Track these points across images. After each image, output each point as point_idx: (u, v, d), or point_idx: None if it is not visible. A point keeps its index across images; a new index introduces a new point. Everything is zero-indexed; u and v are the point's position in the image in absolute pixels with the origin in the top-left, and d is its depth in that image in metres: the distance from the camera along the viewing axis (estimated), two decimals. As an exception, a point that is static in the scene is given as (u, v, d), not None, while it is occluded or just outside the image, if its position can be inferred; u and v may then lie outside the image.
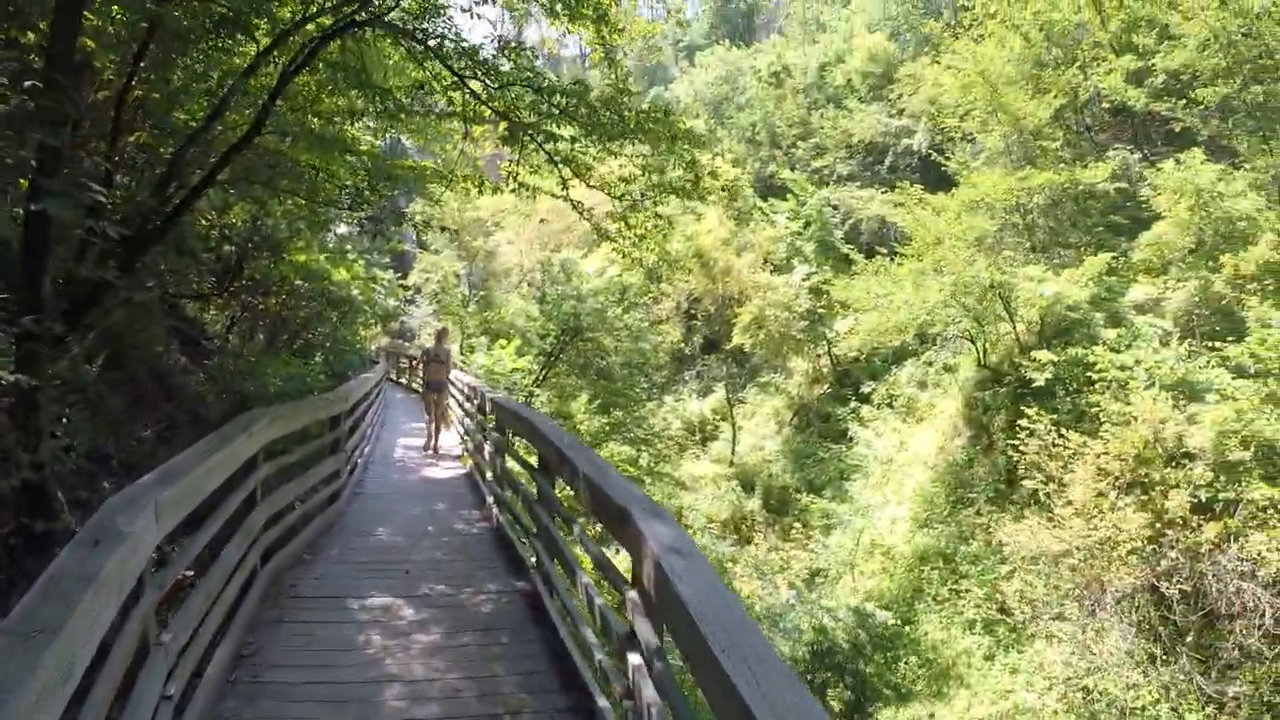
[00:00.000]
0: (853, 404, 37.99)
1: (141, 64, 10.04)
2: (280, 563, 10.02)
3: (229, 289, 18.73)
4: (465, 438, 20.14)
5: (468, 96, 13.57)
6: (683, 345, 47.00)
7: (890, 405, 36.47)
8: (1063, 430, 22.29)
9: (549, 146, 14.09)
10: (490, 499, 13.79)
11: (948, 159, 37.33)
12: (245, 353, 17.72)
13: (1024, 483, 22.94)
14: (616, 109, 13.35)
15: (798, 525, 32.38)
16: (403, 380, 41.20)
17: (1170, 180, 25.47)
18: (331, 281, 21.59)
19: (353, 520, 13.35)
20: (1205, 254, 25.33)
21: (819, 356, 41.34)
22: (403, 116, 14.21)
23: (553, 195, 15.93)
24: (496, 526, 12.89)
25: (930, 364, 36.27)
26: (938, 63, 39.08)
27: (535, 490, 9.66)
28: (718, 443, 40.56)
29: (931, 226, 28.61)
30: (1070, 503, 21.08)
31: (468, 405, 19.50)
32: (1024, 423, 23.27)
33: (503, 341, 30.44)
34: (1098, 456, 20.90)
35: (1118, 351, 23.20)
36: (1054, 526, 20.72)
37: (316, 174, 14.21)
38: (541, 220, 54.32)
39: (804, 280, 41.70)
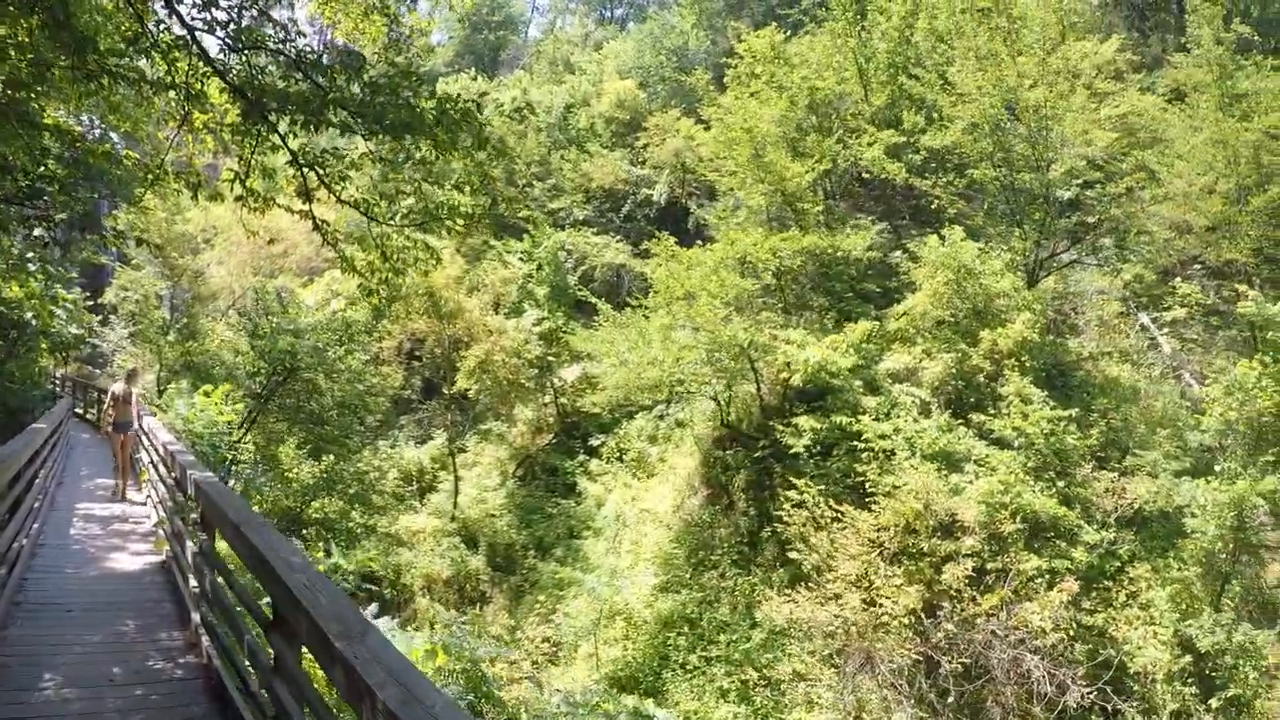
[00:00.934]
0: (580, 457, 36.85)
1: None
2: None
3: None
4: (161, 515, 15.04)
5: (195, 59, 11.04)
6: (404, 389, 44.57)
7: (620, 459, 35.58)
8: (832, 502, 21.76)
9: (296, 143, 11.74)
10: (196, 618, 9.65)
11: (692, 211, 37.11)
12: None
13: (791, 554, 22.27)
14: (402, 96, 10.95)
15: (528, 587, 30.78)
16: (90, 415, 36.40)
17: (933, 254, 25.68)
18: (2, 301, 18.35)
19: (6, 657, 9.05)
20: (960, 329, 25.95)
21: (545, 405, 39.96)
22: (105, 81, 11.00)
23: (290, 210, 13.11)
24: (207, 663, 8.74)
25: (662, 418, 35.56)
26: (693, 115, 39.06)
27: (269, 652, 6.07)
28: (437, 494, 38.47)
29: (684, 280, 27.68)
30: (831, 571, 20.45)
31: (164, 473, 14.75)
32: (793, 493, 22.58)
33: (207, 388, 26.96)
34: (870, 528, 20.43)
35: (880, 420, 22.97)
36: (822, 599, 19.98)
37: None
38: (270, 241, 50.70)
39: (535, 325, 40.27)
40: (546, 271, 43.55)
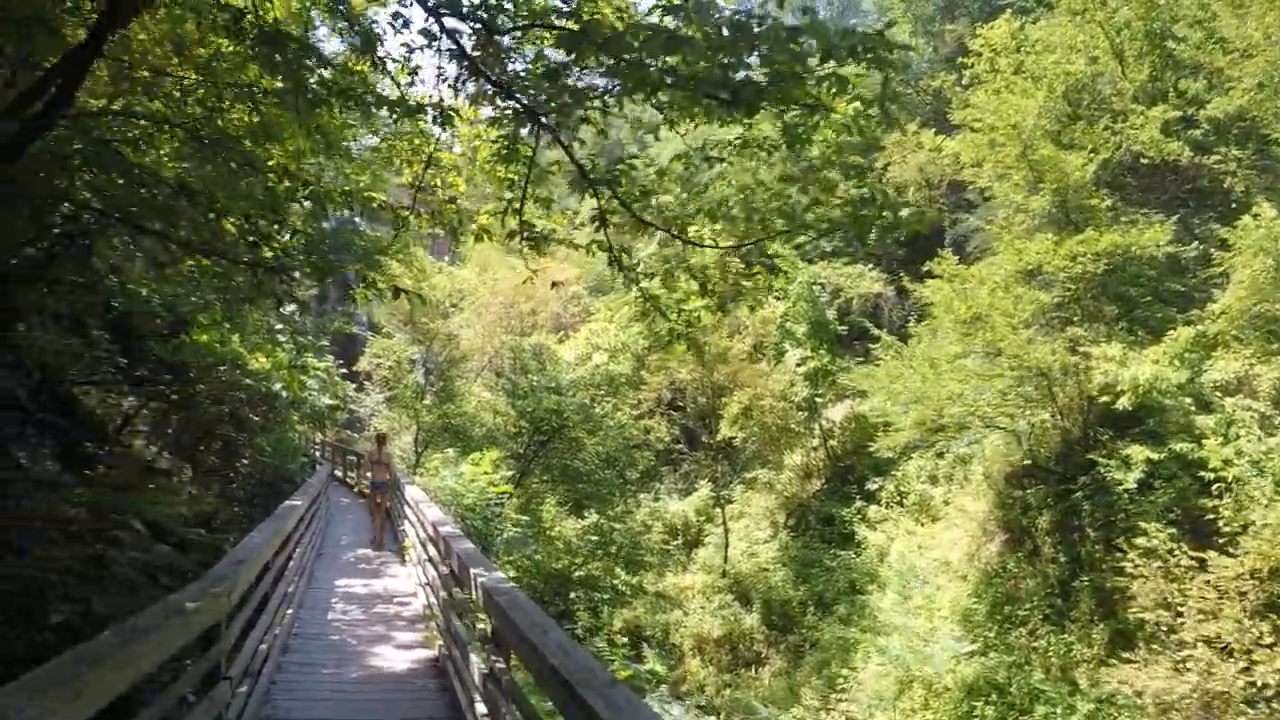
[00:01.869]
0: (857, 503, 34.17)
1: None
2: None
3: (134, 375, 14.91)
4: (430, 600, 13.30)
5: (446, 55, 9.09)
6: (673, 440, 42.81)
7: (900, 503, 32.74)
8: (1181, 545, 18.60)
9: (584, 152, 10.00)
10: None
11: (948, 227, 34.20)
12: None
13: (1137, 612, 19.14)
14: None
15: (807, 647, 28.45)
16: (349, 479, 35.98)
17: (1249, 237, 21.76)
18: (247, 371, 17.03)
19: None
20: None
21: (814, 449, 37.48)
22: (333, 104, 10.04)
23: (571, 246, 11.79)
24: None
25: (942, 455, 32.58)
26: (931, 126, 36.22)
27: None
28: (705, 549, 36.41)
29: (970, 300, 24.76)
30: (1176, 631, 17.33)
31: (434, 554, 12.82)
32: (1140, 540, 19.59)
33: (476, 456, 25.39)
34: (1229, 575, 17.17)
35: (1224, 442, 19.51)
36: (1172, 662, 16.93)
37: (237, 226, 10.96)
38: (554, 282, 50.08)
39: (798, 365, 37.83)
40: (803, 308, 41.23)
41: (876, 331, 33.74)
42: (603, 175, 9.97)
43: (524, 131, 9.89)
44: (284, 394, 19.52)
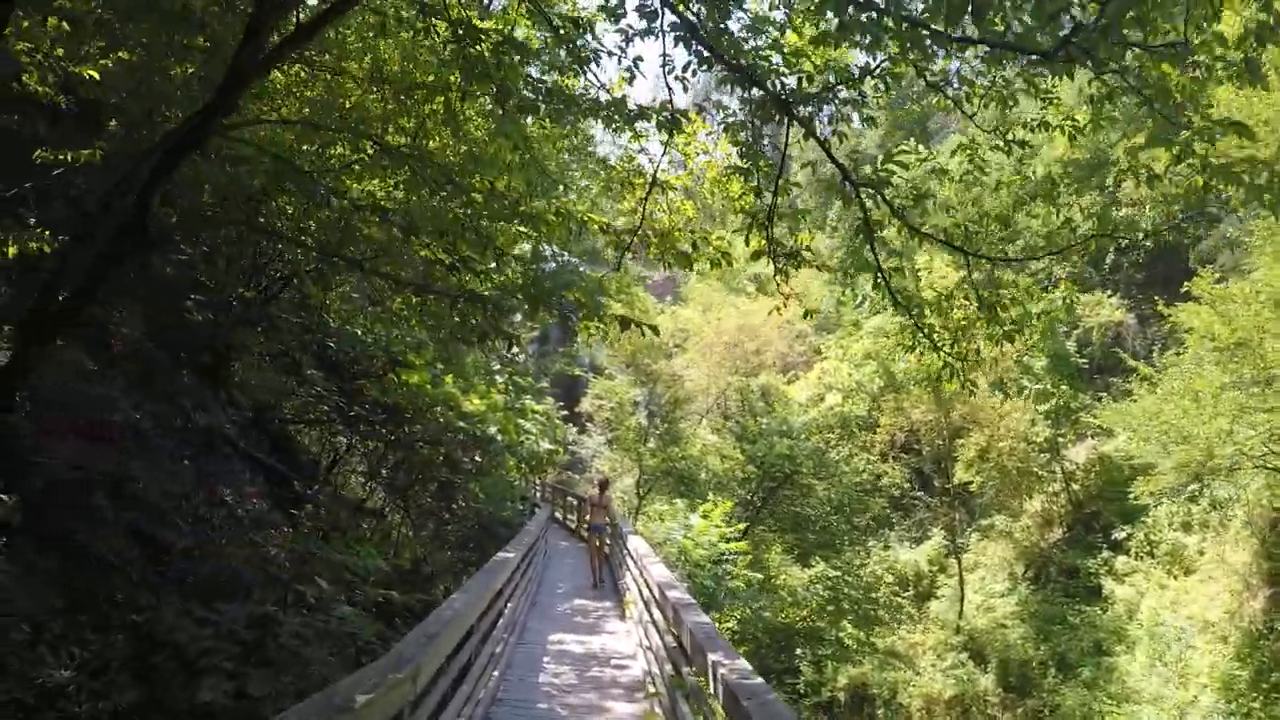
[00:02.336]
0: (1104, 553, 31.78)
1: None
2: None
3: (348, 413, 14.54)
4: (652, 669, 11.63)
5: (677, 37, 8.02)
6: (906, 485, 40.93)
7: (1150, 554, 30.32)
8: None
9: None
10: None
11: (1192, 242, 31.75)
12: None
13: None
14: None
15: (1047, 713, 26.61)
16: (570, 520, 35.14)
17: None
18: (461, 413, 16.33)
19: None
20: None
21: (1055, 494, 35.15)
22: (539, 105, 9.13)
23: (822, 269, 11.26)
24: None
25: (1194, 500, 29.99)
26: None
27: None
28: (938, 601, 34.44)
29: (1235, 323, 22.45)
30: None
31: (658, 618, 11.25)
32: None
33: (707, 507, 24.10)
34: None
35: None
36: None
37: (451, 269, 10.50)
38: (786, 297, 48.82)
39: (1038, 404, 35.69)
40: (1042, 341, 38.98)
41: (1133, 363, 31.44)
42: (868, 177, 8.72)
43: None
44: (499, 438, 18.83)
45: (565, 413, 37.82)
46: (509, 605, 12.87)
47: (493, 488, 21.57)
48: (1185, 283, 26.55)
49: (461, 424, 16.33)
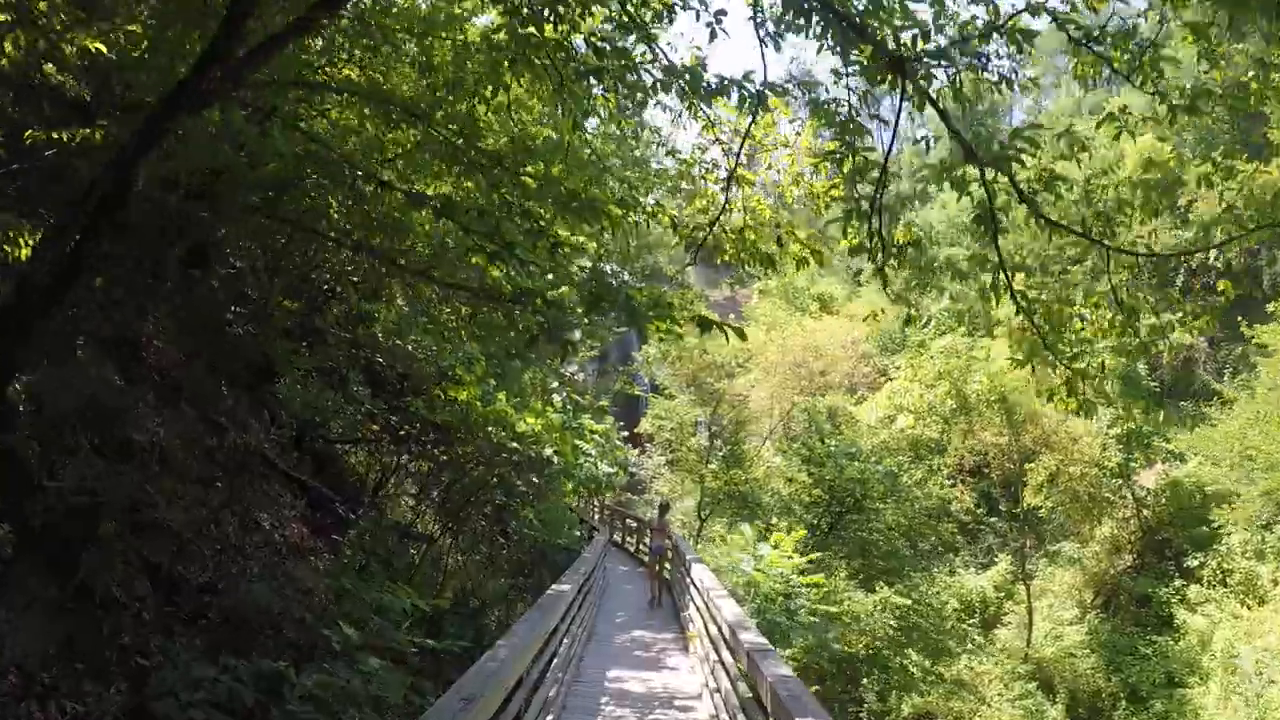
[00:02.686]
0: (1176, 581, 30.47)
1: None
2: None
3: (398, 432, 13.65)
4: (721, 715, 10.01)
5: None
6: (975, 509, 39.41)
7: (1224, 583, 29.02)
8: None
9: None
10: None
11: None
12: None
13: None
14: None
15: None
16: (629, 544, 34.00)
17: None
18: (514, 434, 15.15)
19: None
20: None
21: (1127, 520, 33.76)
22: (604, 69, 8.02)
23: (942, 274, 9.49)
24: None
25: (1269, 528, 28.91)
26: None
27: None
28: (1005, 629, 33.10)
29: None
30: None
31: (728, 663, 9.70)
32: None
33: (778, 536, 22.62)
34: None
35: None
36: None
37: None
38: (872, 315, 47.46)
39: (1110, 427, 34.24)
40: (1114, 363, 37.60)
41: (1216, 385, 30.23)
42: (997, 153, 7.36)
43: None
44: (555, 459, 17.52)
45: (625, 433, 36.53)
46: (564, 643, 11.66)
47: (548, 513, 20.40)
48: (1269, 305, 25.57)
49: (515, 445, 15.17)
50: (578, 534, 23.18)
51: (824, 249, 9.76)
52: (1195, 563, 30.99)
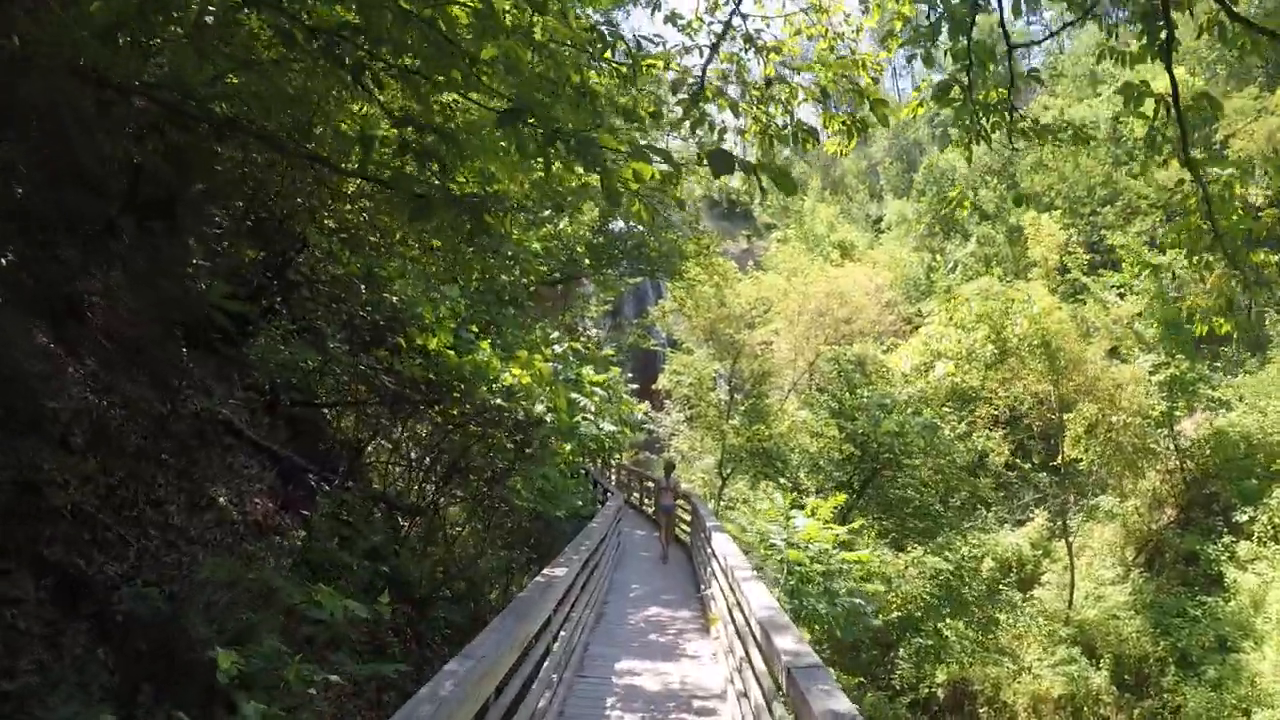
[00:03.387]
0: (1226, 537, 29.17)
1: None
2: None
3: (382, 391, 12.37)
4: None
5: None
6: (1014, 462, 37.81)
7: (1276, 538, 27.87)
8: None
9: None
10: None
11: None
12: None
13: None
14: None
15: (1167, 715, 24.26)
16: (647, 505, 31.67)
17: None
18: (500, 387, 13.55)
19: None
20: None
21: (1169, 472, 32.35)
22: None
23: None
24: None
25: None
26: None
27: None
28: (1043, 589, 31.82)
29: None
30: None
31: (766, 682, 7.68)
32: None
33: (815, 503, 20.58)
34: None
35: None
36: None
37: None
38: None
39: (1152, 373, 32.82)
40: (1155, 306, 36.06)
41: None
42: None
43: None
44: (548, 418, 15.65)
45: (637, 388, 35.13)
46: (561, 635, 10.31)
47: (547, 479, 18.00)
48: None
49: (499, 402, 13.63)
50: (579, 503, 19.99)
51: (886, 107, 8.20)
52: (1244, 517, 29.84)
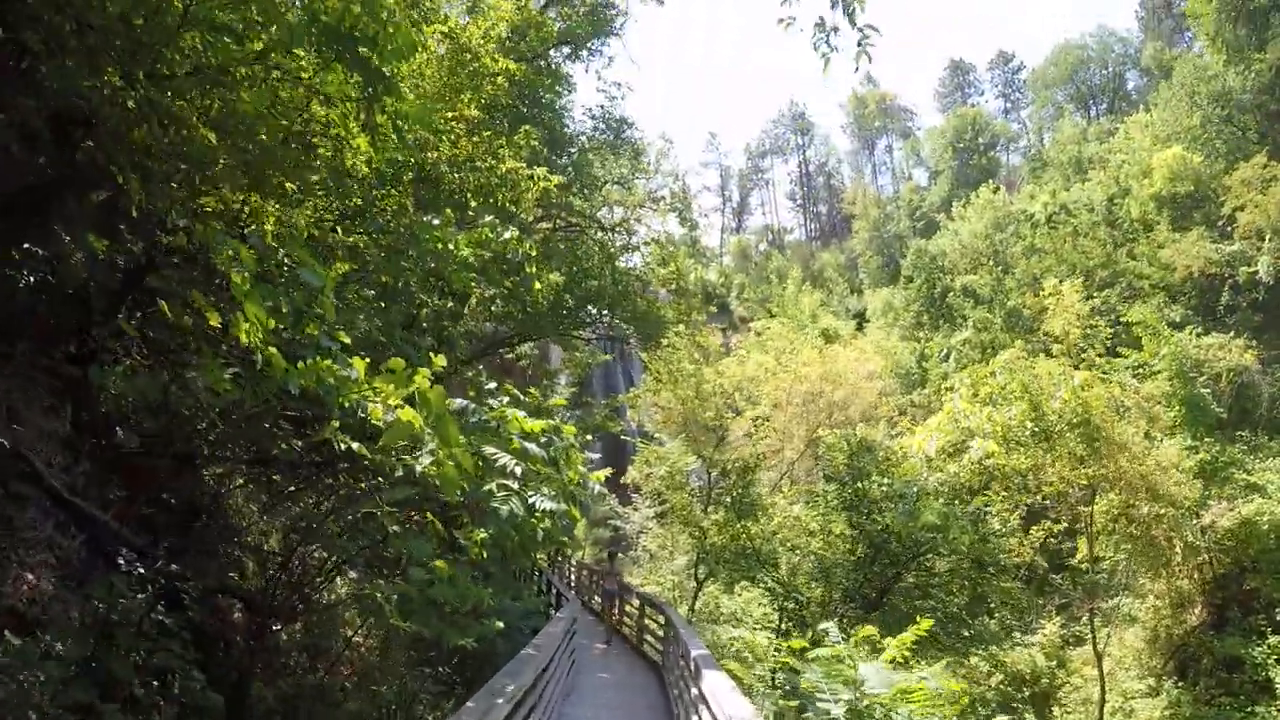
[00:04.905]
0: (1272, 639, 26.90)
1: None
2: None
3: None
4: None
5: None
6: (1032, 560, 34.19)
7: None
8: None
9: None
10: None
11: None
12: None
13: None
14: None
15: None
16: (615, 614, 27.44)
17: None
18: (352, 421, 8.46)
19: None
20: None
21: (1198, 567, 30.10)
22: None
23: None
24: None
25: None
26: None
27: None
28: (1061, 709, 28.76)
29: None
30: None
31: None
32: None
33: (895, 640, 13.97)
34: None
35: None
36: None
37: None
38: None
39: (1186, 457, 30.38)
40: (1176, 388, 33.41)
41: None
42: None
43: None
44: (430, 469, 9.82)
45: (605, 479, 31.80)
46: None
47: (443, 583, 11.83)
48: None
49: (358, 446, 8.44)
50: (499, 625, 13.60)
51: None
52: (1287, 616, 26.73)
